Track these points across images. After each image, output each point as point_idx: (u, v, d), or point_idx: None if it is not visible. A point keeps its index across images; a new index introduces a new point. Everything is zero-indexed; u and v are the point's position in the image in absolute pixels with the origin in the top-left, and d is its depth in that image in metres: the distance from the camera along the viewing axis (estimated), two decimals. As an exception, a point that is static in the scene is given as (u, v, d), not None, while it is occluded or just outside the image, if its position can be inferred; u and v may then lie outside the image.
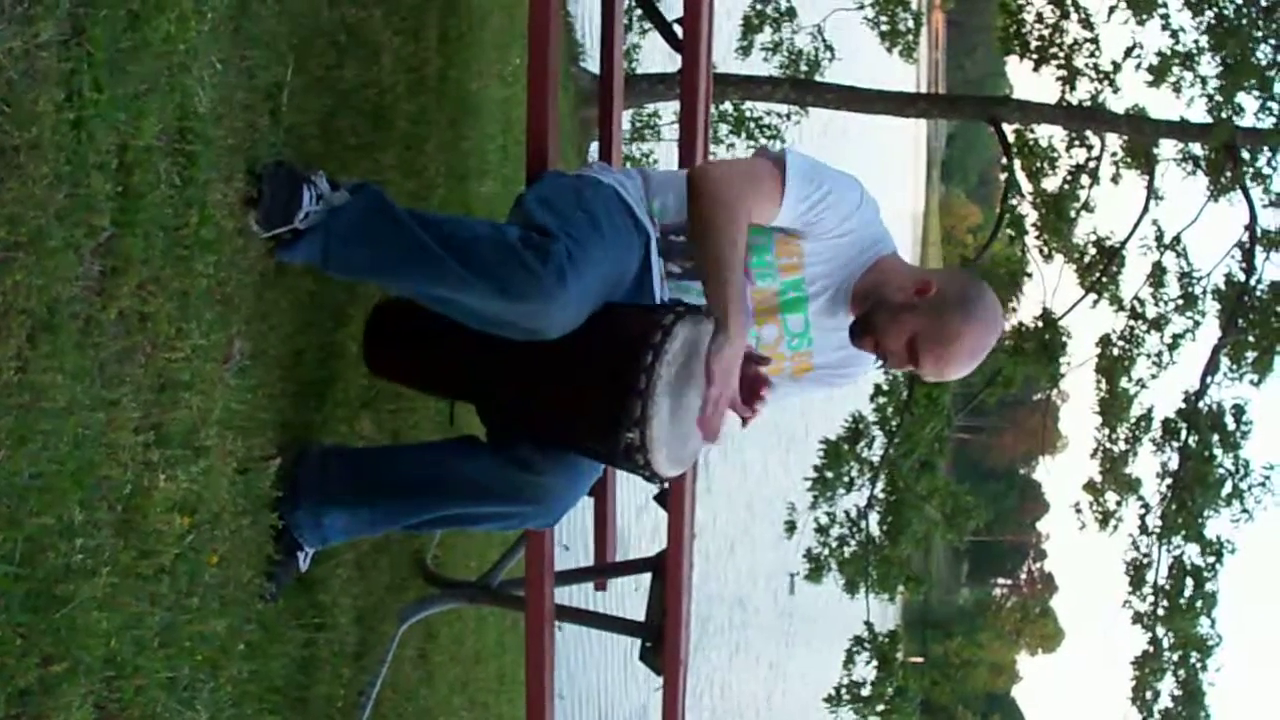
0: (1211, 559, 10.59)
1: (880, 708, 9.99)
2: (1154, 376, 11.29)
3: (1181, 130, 11.07)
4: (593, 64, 10.46)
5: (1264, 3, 10.36)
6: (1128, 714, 10.79)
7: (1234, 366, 10.71)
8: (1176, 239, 11.18)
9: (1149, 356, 11.26)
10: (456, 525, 3.39)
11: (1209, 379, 10.71)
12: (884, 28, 13.35)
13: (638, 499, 8.27)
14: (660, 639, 4.14)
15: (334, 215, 2.91)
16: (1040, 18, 11.84)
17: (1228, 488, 10.54)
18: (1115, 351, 11.24)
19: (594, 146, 8.70)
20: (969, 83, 71.47)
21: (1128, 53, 11.25)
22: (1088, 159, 11.57)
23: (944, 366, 3.03)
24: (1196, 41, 10.79)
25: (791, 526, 10.98)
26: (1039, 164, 11.62)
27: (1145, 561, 10.82)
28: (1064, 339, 10.84)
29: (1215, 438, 10.59)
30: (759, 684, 24.80)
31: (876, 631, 10.26)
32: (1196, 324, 11.18)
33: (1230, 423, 10.63)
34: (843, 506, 10.73)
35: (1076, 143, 11.62)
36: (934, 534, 10.66)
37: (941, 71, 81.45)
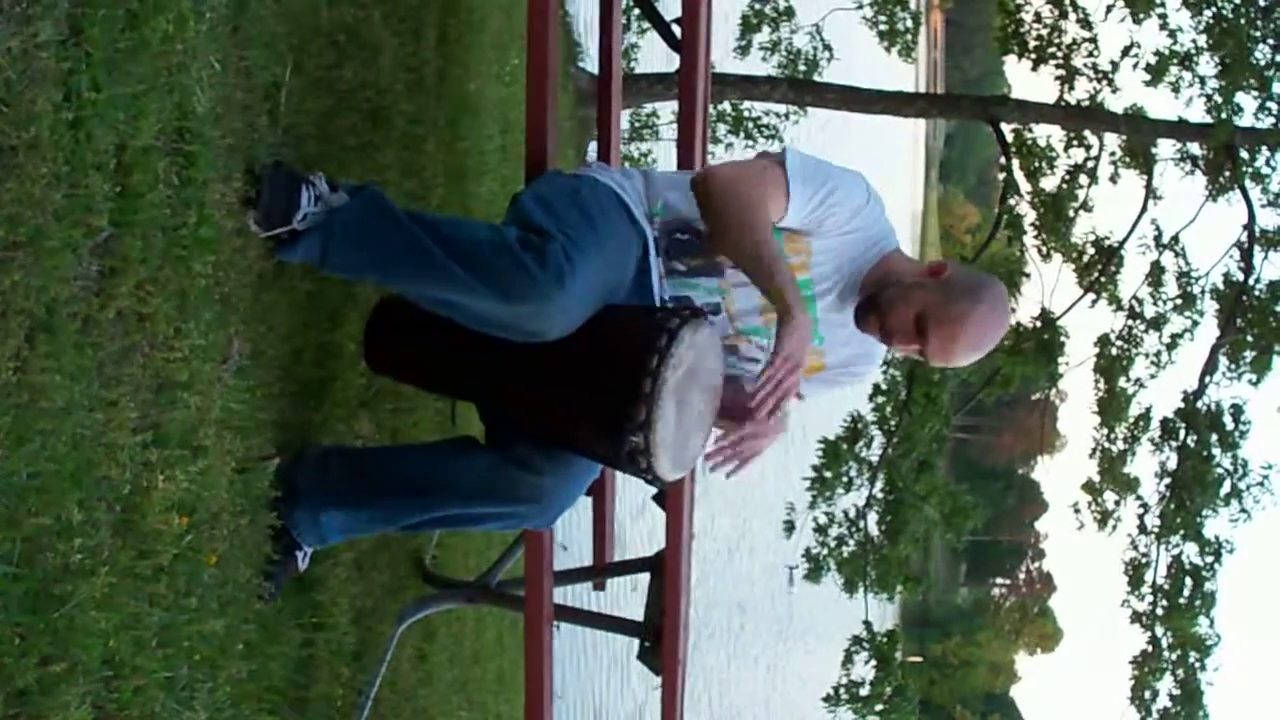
0: (1210, 558, 10.58)
1: (879, 707, 9.97)
2: (1152, 376, 11.28)
3: (1180, 130, 11.06)
4: (591, 64, 10.45)
5: (1262, 2, 10.35)
6: (1126, 714, 10.79)
7: (1232, 366, 10.70)
8: (1175, 239, 11.17)
9: (1147, 356, 11.25)
10: (455, 525, 3.39)
11: (1207, 378, 10.70)
12: (882, 27, 13.33)
13: (636, 499, 8.26)
14: (659, 639, 4.15)
15: (333, 216, 2.91)
16: (1039, 17, 11.83)
17: (1226, 487, 10.52)
18: (1114, 351, 11.23)
19: (592, 146, 8.70)
20: (967, 82, 71.47)
21: (1125, 52, 11.23)
22: (1086, 159, 11.56)
23: (949, 347, 3.00)
24: (1195, 41, 10.78)
25: (790, 526, 10.98)
26: (1037, 164, 11.61)
27: (1144, 561, 10.81)
28: (1062, 339, 10.83)
29: (1214, 437, 10.58)
30: (757, 684, 24.79)
31: (875, 631, 10.24)
32: (1195, 324, 11.16)
33: (1229, 422, 10.62)
34: (841, 506, 10.72)
35: (1075, 142, 11.60)
36: (933, 534, 10.65)
37: (940, 71, 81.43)
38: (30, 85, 1.98)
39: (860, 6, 13.28)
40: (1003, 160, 11.68)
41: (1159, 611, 10.60)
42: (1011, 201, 11.58)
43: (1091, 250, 11.42)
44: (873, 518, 10.62)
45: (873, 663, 10.13)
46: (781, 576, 24.85)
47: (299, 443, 3.22)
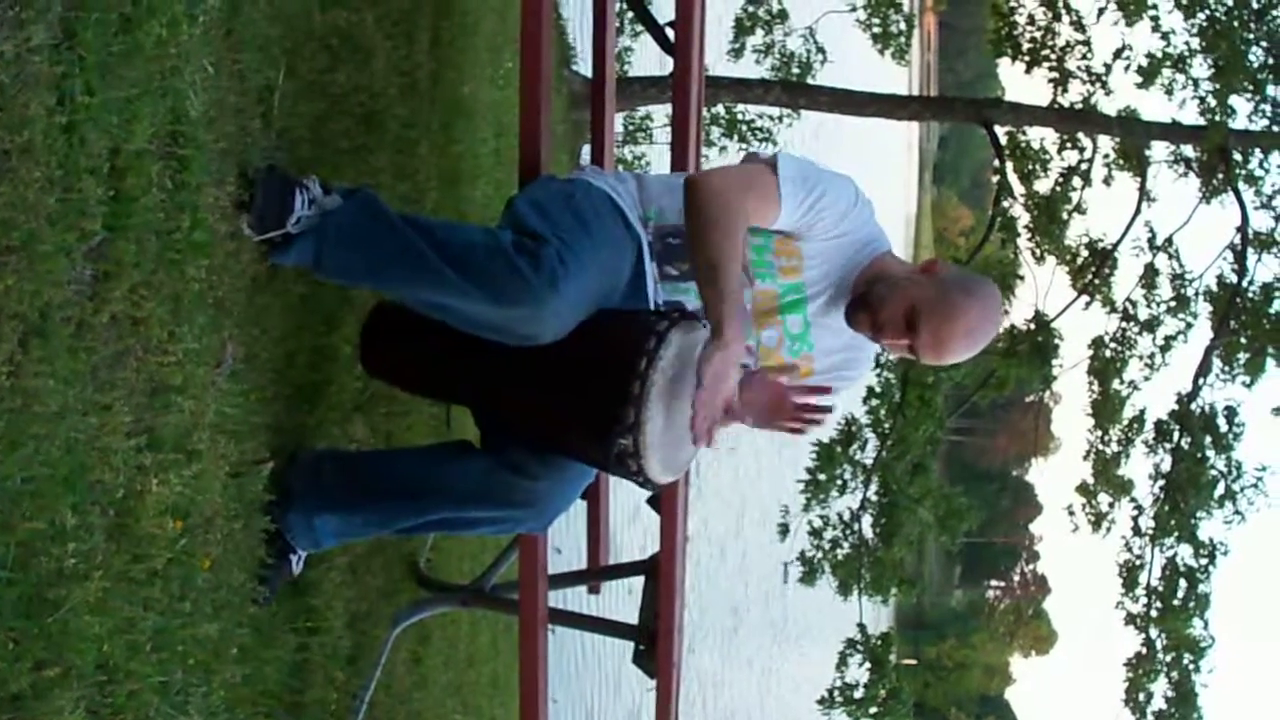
0: (1204, 560, 10.59)
1: (873, 710, 9.97)
2: (1146, 378, 11.30)
3: (1173, 132, 11.07)
4: (585, 67, 10.46)
5: (1255, 5, 10.36)
6: (1121, 716, 10.79)
7: (1226, 368, 10.72)
8: (1169, 241, 11.19)
9: (1141, 358, 11.27)
10: (449, 529, 3.39)
11: (1201, 380, 10.71)
12: (876, 30, 13.32)
13: (630, 503, 8.25)
14: (653, 642, 4.15)
15: (326, 219, 2.91)
16: (1032, 20, 11.85)
17: (1220, 489, 10.54)
18: (1107, 353, 11.24)
19: (586, 149, 8.70)
20: (961, 85, 71.61)
21: (1118, 54, 11.26)
22: (1080, 161, 11.57)
23: (940, 342, 2.97)
24: (1188, 43, 10.80)
25: (785, 529, 10.98)
26: (1031, 166, 11.62)
27: (1138, 563, 10.82)
28: (1056, 341, 10.84)
29: (1207, 439, 10.59)
30: (751, 688, 24.78)
31: (870, 634, 10.25)
32: (1189, 325, 11.18)
33: (1222, 424, 10.63)
34: (836, 509, 10.72)
35: (1068, 145, 11.61)
36: (927, 536, 10.66)
37: (933, 74, 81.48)
38: (23, 89, 1.98)
39: (853, 9, 13.28)
40: (996, 163, 11.69)
41: (1153, 613, 10.61)
42: (1005, 204, 11.58)
43: (1085, 252, 11.43)
44: (867, 520, 10.63)
45: (867, 665, 10.14)
46: (776, 577, 24.85)
47: (293, 447, 3.21)
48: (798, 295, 3.09)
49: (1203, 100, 10.72)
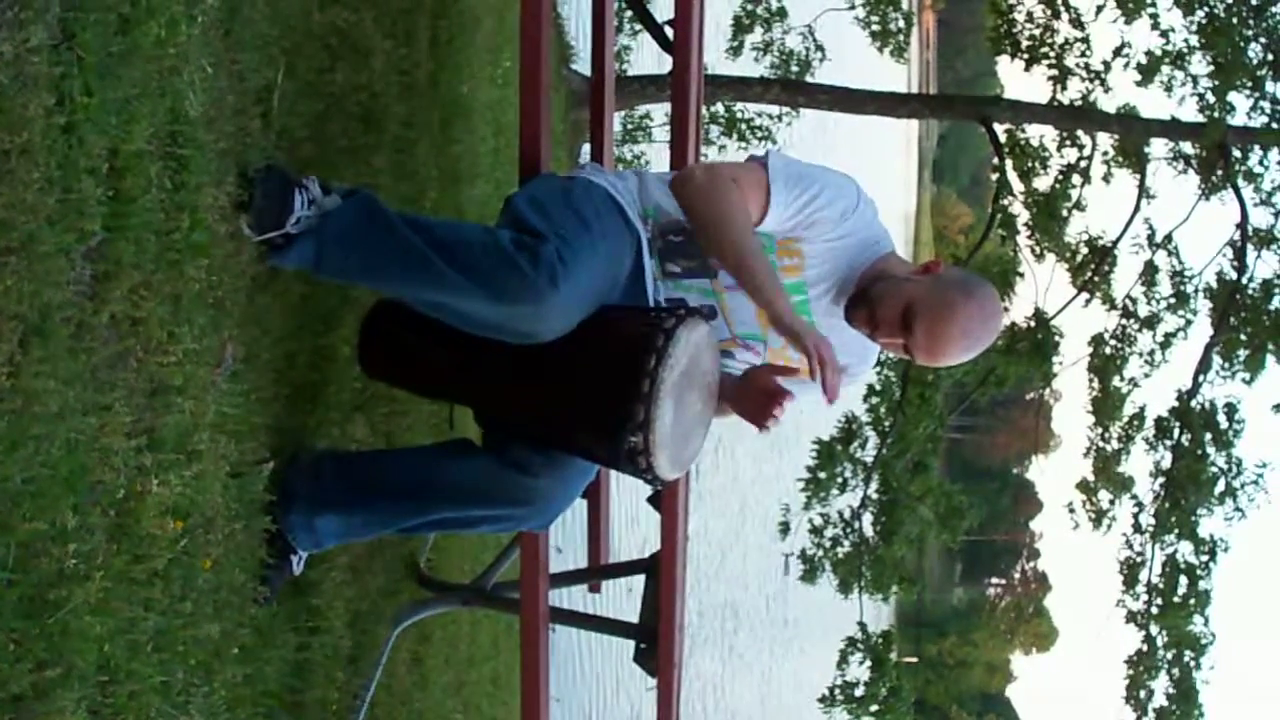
0: (1205, 557, 10.60)
1: (874, 708, 9.98)
2: (1146, 375, 11.30)
3: (1173, 129, 11.07)
4: (584, 66, 10.45)
5: (1254, 1, 10.36)
6: (1122, 713, 10.80)
7: (1226, 365, 10.72)
8: (1168, 238, 11.19)
9: (1141, 355, 11.27)
10: (450, 528, 3.39)
11: (1201, 377, 10.71)
12: (875, 28, 13.32)
13: (631, 502, 8.26)
14: (654, 640, 4.14)
15: (326, 220, 2.91)
16: (1031, 17, 11.84)
17: (1220, 486, 10.55)
18: (1108, 350, 11.25)
19: (585, 148, 8.70)
20: (960, 83, 71.57)
21: (1116, 52, 11.25)
22: (1079, 158, 11.56)
23: (935, 341, 2.96)
24: (1187, 40, 10.80)
25: (785, 527, 10.98)
26: (1030, 164, 11.61)
27: (1139, 560, 10.82)
28: (1056, 338, 10.84)
29: (1208, 436, 10.60)
30: (752, 687, 24.77)
31: (870, 632, 10.26)
32: (1188, 322, 11.18)
33: (1223, 421, 10.63)
34: (836, 507, 10.73)
35: (1068, 142, 11.60)
36: (927, 534, 10.65)
37: (933, 72, 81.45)
38: (22, 90, 1.98)
39: (852, 7, 13.27)
40: (996, 160, 11.69)
41: (1154, 610, 10.62)
42: (1004, 201, 11.58)
43: (1085, 250, 11.43)
44: (867, 518, 10.63)
45: (868, 663, 10.14)
46: (776, 580, 24.84)
47: (293, 447, 3.21)
48: (800, 295, 3.09)
49: (1202, 97, 10.71)
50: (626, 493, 6.77)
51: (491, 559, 4.82)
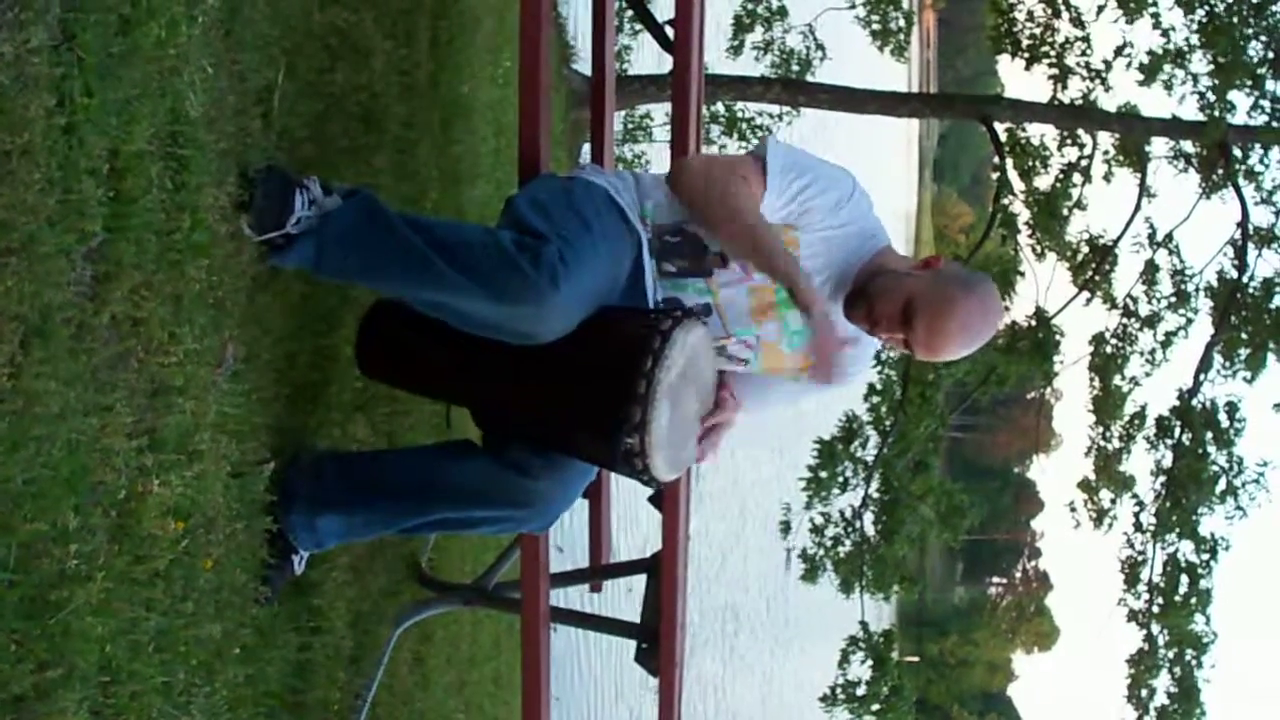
0: (1206, 556, 10.59)
1: (875, 707, 9.99)
2: (1147, 374, 11.30)
3: (1173, 128, 11.07)
4: (584, 66, 10.45)
5: (1254, 0, 10.36)
6: (1124, 712, 10.80)
7: (1227, 363, 10.72)
8: (1169, 236, 11.19)
9: (1142, 354, 11.27)
10: (451, 529, 3.39)
11: (1202, 376, 10.71)
12: (875, 27, 13.33)
13: (632, 502, 8.26)
14: (656, 640, 4.14)
15: (326, 220, 2.91)
16: (1031, 16, 11.85)
17: (1221, 484, 10.55)
18: (1108, 349, 11.25)
19: (586, 148, 8.70)
20: (961, 82, 71.51)
21: (1118, 51, 11.25)
22: (1079, 157, 11.57)
23: (934, 337, 2.96)
24: (1188, 39, 10.80)
25: (786, 526, 10.98)
26: (1031, 163, 11.62)
27: (1140, 559, 10.83)
28: (1057, 337, 10.85)
29: (1209, 435, 10.60)
30: (753, 688, 24.77)
31: (871, 631, 10.26)
32: (1189, 321, 11.18)
33: (1224, 420, 10.63)
34: (837, 506, 10.72)
35: (1068, 141, 11.61)
36: (929, 533, 10.65)
37: (933, 71, 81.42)
38: (23, 90, 1.98)
39: (853, 6, 13.28)
40: (996, 159, 11.69)
41: (1155, 609, 10.62)
42: (1005, 200, 11.58)
43: (1085, 249, 11.43)
44: (869, 518, 10.63)
45: (869, 663, 10.15)
46: (776, 581, 24.83)
47: (294, 447, 3.21)
48: (799, 287, 3.09)
49: (1202, 96, 10.72)
50: (627, 493, 6.77)
51: (493, 559, 4.83)
